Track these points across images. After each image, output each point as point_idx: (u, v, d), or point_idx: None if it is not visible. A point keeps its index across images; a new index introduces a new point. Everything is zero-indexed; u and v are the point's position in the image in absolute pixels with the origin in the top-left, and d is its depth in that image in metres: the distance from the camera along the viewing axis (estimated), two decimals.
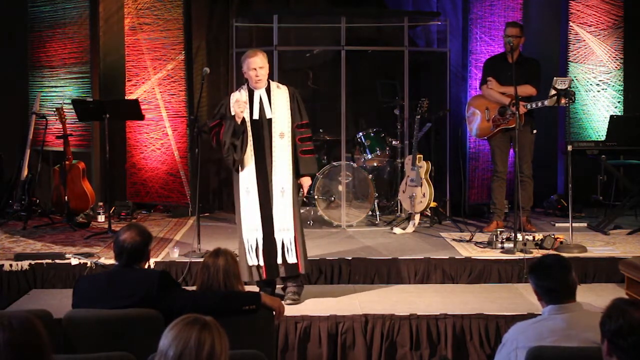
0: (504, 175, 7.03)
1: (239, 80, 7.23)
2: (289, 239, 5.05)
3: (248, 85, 5.15)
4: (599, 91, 8.15)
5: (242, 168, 5.10)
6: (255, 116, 5.09)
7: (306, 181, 5.21)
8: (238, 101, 4.99)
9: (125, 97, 8.00)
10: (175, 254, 5.95)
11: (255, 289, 5.03)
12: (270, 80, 5.21)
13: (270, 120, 5.08)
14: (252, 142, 5.08)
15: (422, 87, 8.31)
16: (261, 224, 5.05)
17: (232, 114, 5.00)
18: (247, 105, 5.05)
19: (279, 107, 5.10)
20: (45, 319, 3.21)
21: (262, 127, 5.08)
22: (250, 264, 5.03)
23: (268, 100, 5.10)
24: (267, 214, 5.06)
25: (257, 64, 5.05)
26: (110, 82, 8.22)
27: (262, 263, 5.05)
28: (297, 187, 5.19)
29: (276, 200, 5.06)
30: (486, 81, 6.95)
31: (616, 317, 2.39)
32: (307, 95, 7.65)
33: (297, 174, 5.14)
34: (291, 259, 5.05)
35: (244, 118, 5.01)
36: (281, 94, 5.14)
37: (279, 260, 5.05)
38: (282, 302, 3.93)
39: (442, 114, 7.72)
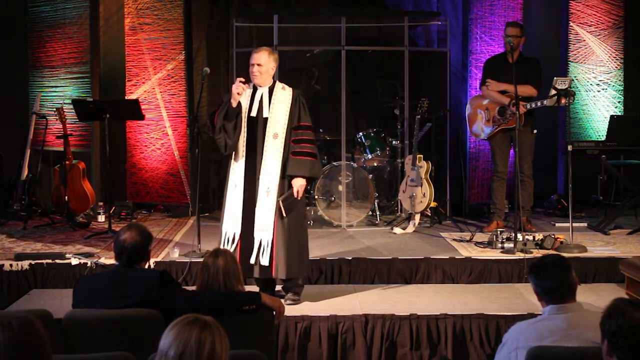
0: (504, 175, 7.03)
1: None
2: (267, 240, 4.95)
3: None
4: (599, 91, 8.15)
5: (237, 159, 5.06)
6: (253, 113, 5.07)
7: (296, 182, 4.97)
8: (239, 84, 4.95)
9: (125, 97, 7.99)
10: (175, 254, 5.95)
11: (255, 288, 5.03)
12: (277, 81, 5.19)
13: (266, 119, 5.05)
14: (245, 139, 5.05)
15: (422, 87, 8.30)
16: (241, 220, 5.01)
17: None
18: (247, 93, 5.02)
19: (278, 108, 5.06)
20: (45, 319, 3.20)
21: (257, 126, 5.06)
22: None
23: (268, 100, 5.08)
24: (250, 212, 5.00)
25: (256, 60, 5.04)
26: (110, 82, 8.22)
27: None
28: (288, 189, 5.00)
29: (260, 199, 5.00)
30: (486, 82, 6.95)
31: (616, 317, 2.39)
32: (308, 95, 7.65)
33: (284, 175, 5.00)
34: (264, 260, 4.93)
35: (240, 104, 4.98)
36: (284, 95, 5.10)
37: (252, 260, 4.96)
38: (282, 302, 3.93)
39: (442, 114, 7.72)
